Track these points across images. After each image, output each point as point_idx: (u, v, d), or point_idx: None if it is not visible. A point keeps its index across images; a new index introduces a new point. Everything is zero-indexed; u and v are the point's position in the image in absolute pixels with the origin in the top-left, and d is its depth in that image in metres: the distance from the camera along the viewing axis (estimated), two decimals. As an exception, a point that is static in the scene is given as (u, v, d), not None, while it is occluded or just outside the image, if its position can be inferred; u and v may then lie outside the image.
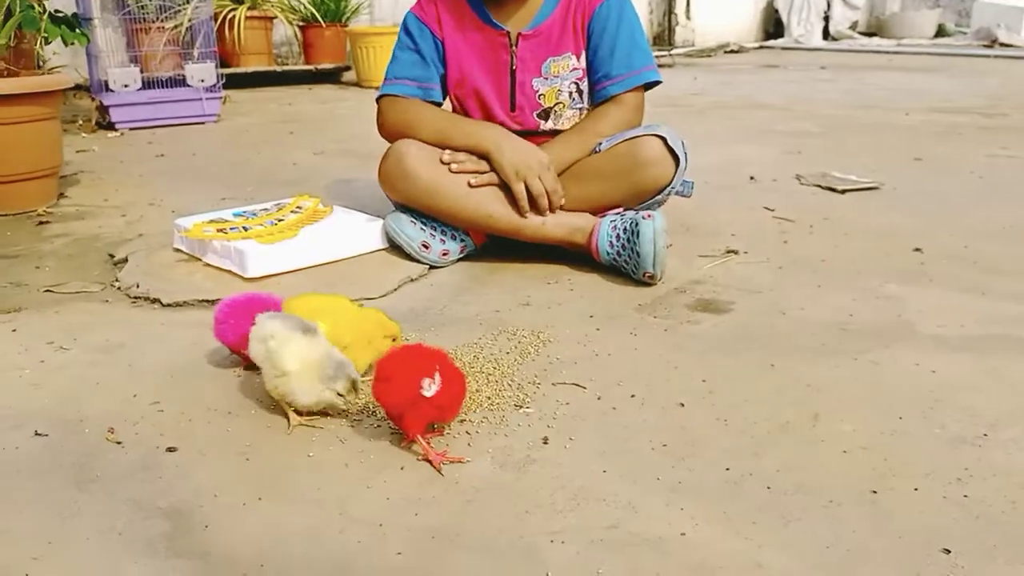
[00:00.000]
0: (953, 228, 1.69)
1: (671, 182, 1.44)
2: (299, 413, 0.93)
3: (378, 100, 1.55)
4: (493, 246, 1.53)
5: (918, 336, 1.17)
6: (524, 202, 1.42)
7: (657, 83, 1.53)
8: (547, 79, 1.52)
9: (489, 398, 0.99)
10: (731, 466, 0.84)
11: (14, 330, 1.22)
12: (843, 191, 2.01)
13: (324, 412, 0.94)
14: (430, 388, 0.85)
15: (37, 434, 0.92)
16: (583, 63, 1.53)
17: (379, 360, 0.88)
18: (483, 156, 1.44)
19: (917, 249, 1.54)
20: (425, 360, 0.88)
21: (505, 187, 1.44)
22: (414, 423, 0.86)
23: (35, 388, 1.04)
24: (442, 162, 1.44)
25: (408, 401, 0.85)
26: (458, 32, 1.53)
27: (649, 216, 1.36)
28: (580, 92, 1.55)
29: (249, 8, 4.54)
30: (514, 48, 1.51)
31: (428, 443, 0.86)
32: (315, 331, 0.93)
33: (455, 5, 1.53)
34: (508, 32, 1.51)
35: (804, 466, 0.84)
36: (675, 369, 1.07)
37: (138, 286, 1.37)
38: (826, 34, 8.10)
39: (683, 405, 0.97)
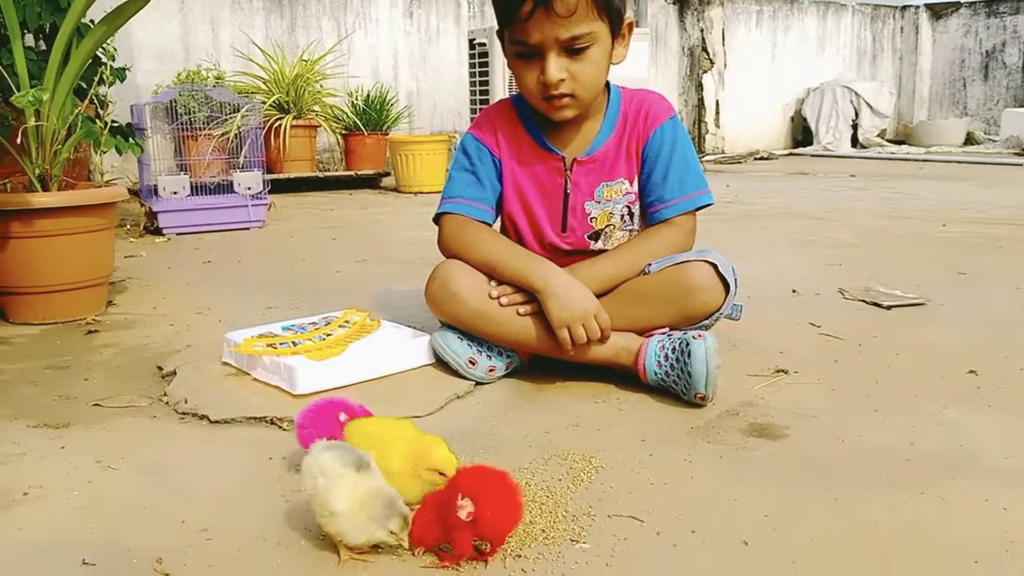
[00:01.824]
0: (1006, 349, 1.65)
1: (720, 308, 1.43)
2: (349, 548, 0.90)
3: (437, 218, 1.58)
4: (539, 361, 1.52)
5: (983, 468, 1.12)
6: (568, 347, 1.41)
7: (709, 204, 1.54)
8: (599, 203, 1.54)
9: (544, 531, 0.96)
10: (803, 615, 0.80)
11: (63, 447, 1.22)
12: (889, 307, 1.99)
13: (376, 546, 0.91)
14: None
15: (85, 563, 0.90)
16: (635, 187, 1.54)
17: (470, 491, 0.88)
18: (530, 291, 1.44)
19: (972, 371, 1.51)
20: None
21: None
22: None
23: (83, 511, 1.03)
24: (490, 296, 1.45)
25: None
26: (514, 153, 1.56)
27: (700, 336, 1.35)
28: (631, 215, 1.56)
29: (295, 117, 4.72)
30: (568, 173, 1.53)
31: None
32: (368, 465, 0.91)
33: (512, 128, 1.56)
34: (563, 157, 1.53)
35: (880, 616, 0.80)
36: (735, 502, 1.03)
37: (186, 401, 1.37)
38: (855, 142, 8.20)
39: (747, 543, 0.93)
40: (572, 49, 1.39)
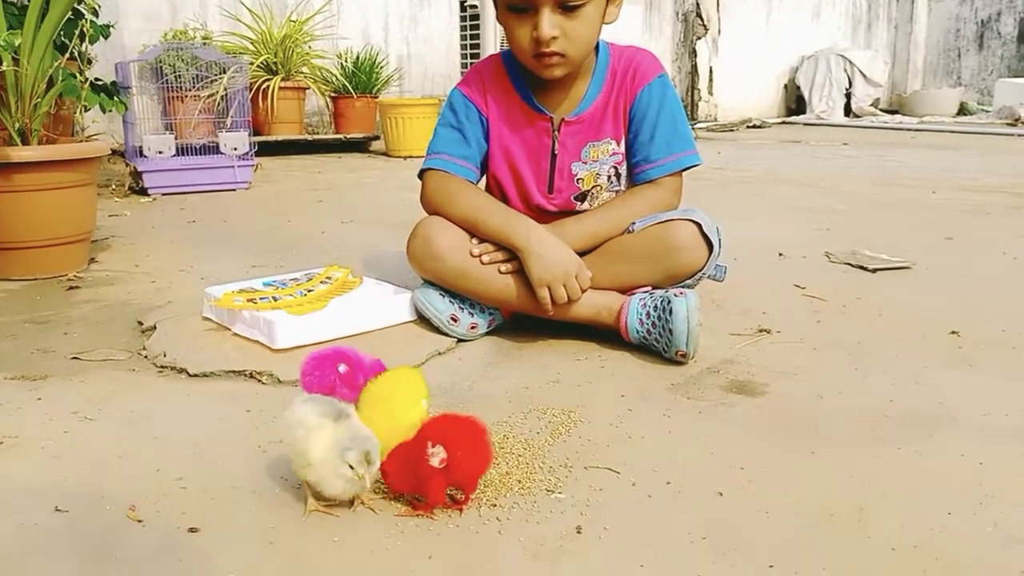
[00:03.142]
0: (989, 311, 1.65)
1: (703, 268, 1.42)
2: (319, 499, 0.90)
3: (421, 175, 1.56)
4: (521, 319, 1.51)
5: (962, 425, 1.13)
6: (548, 306, 1.40)
7: (696, 165, 1.53)
8: (586, 163, 1.52)
9: (520, 481, 0.96)
10: (775, 563, 0.80)
11: (39, 398, 1.21)
12: (874, 270, 1.99)
13: (351, 501, 0.90)
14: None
15: (57, 510, 0.90)
16: (622, 148, 1.53)
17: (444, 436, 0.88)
18: (512, 249, 1.43)
19: (954, 332, 1.51)
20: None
21: None
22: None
23: (57, 460, 1.02)
24: (472, 254, 1.44)
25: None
26: (502, 113, 1.53)
27: (681, 293, 1.35)
28: (618, 175, 1.55)
29: (283, 79, 4.66)
30: (556, 133, 1.51)
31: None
32: (349, 415, 0.91)
33: (501, 86, 1.54)
34: (552, 117, 1.51)
35: (852, 564, 0.80)
36: (711, 455, 1.03)
37: (165, 355, 1.36)
38: (848, 111, 8.17)
39: (722, 494, 0.93)
40: (567, 6, 1.35)
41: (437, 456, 0.85)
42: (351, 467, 0.85)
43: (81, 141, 2.14)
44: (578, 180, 1.53)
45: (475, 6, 4.73)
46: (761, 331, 1.52)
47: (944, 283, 1.88)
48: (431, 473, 0.86)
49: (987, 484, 0.96)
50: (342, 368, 1.06)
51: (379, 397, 0.99)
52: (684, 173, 1.53)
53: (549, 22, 1.36)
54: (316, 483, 0.89)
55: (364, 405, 1.00)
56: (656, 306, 1.36)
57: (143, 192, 3.24)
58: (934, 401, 1.21)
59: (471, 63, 4.70)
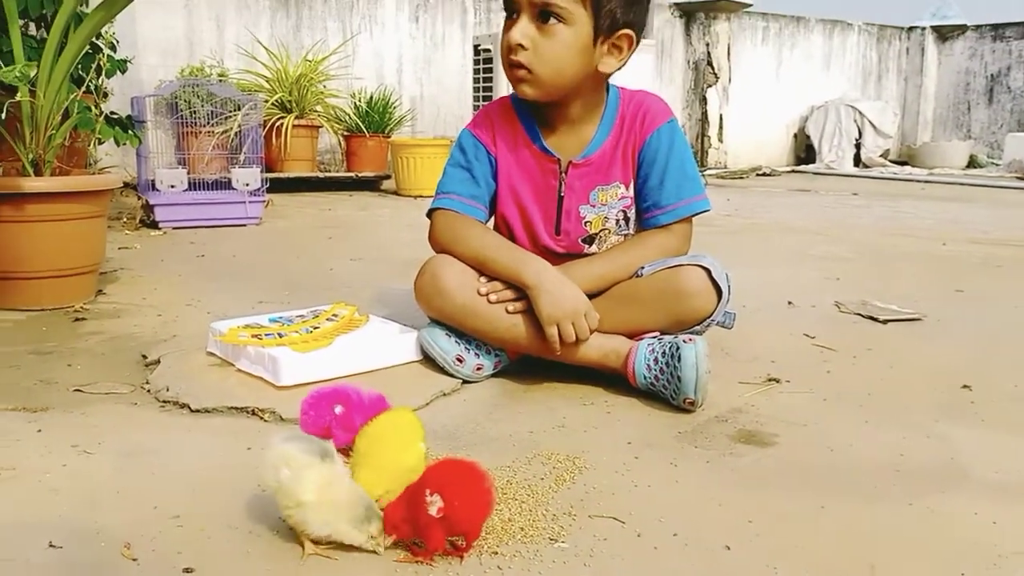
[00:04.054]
0: (1001, 365, 1.63)
1: (712, 314, 1.41)
2: (315, 542, 0.88)
3: (430, 214, 1.56)
4: (527, 362, 1.50)
5: (974, 482, 1.10)
6: (556, 345, 1.38)
7: (705, 211, 1.52)
8: (594, 207, 1.52)
9: (523, 529, 0.94)
10: (783, 621, 0.78)
11: (39, 431, 1.20)
12: (885, 321, 1.97)
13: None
14: None
15: (51, 546, 0.88)
16: (631, 192, 1.53)
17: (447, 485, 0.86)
18: (521, 287, 1.42)
19: (966, 386, 1.49)
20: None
21: None
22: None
23: (54, 494, 1.01)
24: (479, 293, 1.43)
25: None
26: (511, 153, 1.54)
27: (690, 340, 1.33)
28: (627, 219, 1.54)
29: (297, 117, 4.71)
30: (564, 175, 1.51)
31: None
32: (332, 454, 0.90)
33: (510, 127, 1.54)
34: (559, 160, 1.51)
35: (862, 625, 0.78)
36: (719, 507, 1.01)
37: (168, 389, 1.35)
38: (857, 161, 8.20)
39: (729, 548, 0.91)
40: (544, 14, 1.36)
41: (435, 505, 0.84)
42: (372, 537, 0.86)
43: (94, 173, 2.15)
44: (586, 223, 1.53)
45: (488, 49, 4.79)
46: (770, 380, 1.50)
47: (955, 336, 1.87)
48: (430, 521, 0.84)
49: (1000, 544, 0.94)
50: (338, 409, 1.04)
51: (375, 441, 0.97)
52: (693, 219, 1.53)
53: (521, 28, 1.37)
54: (303, 523, 0.87)
55: (360, 449, 0.98)
56: (664, 352, 1.35)
57: (154, 225, 3.25)
58: (946, 456, 1.18)
59: (482, 105, 4.74)
